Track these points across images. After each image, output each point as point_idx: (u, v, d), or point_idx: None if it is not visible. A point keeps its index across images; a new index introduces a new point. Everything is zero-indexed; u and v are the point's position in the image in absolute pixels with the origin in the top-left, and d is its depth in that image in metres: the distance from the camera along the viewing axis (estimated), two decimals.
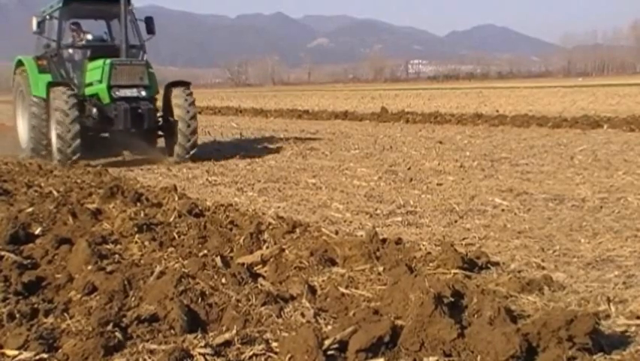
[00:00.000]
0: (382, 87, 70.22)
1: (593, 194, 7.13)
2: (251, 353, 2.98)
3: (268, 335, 3.20)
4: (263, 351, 2.98)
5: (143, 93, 11.38)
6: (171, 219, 5.68)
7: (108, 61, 11.13)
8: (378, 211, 6.68)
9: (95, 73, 11.44)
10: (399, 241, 4.84)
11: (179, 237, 5.15)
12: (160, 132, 12.22)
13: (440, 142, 13.59)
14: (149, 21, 12.44)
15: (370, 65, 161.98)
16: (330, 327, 3.27)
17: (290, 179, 9.21)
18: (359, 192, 7.91)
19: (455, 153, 11.59)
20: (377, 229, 5.21)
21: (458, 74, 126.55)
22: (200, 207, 6.29)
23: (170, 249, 4.79)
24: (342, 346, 2.93)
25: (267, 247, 4.74)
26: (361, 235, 4.97)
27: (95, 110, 11.36)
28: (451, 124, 18.69)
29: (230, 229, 5.37)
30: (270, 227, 5.32)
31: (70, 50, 12.41)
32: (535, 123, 16.72)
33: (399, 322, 3.17)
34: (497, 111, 21.52)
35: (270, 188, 8.47)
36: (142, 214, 5.82)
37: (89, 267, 4.20)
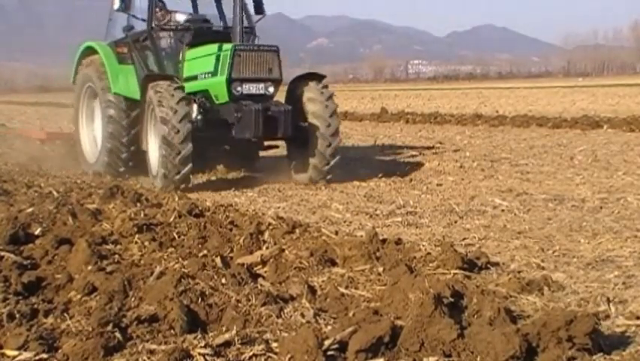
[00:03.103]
0: (382, 87, 70.26)
1: (593, 194, 7.13)
2: (251, 353, 2.98)
3: (268, 335, 3.20)
4: (263, 351, 2.99)
5: (271, 90, 8.63)
6: (171, 220, 5.68)
7: (229, 46, 8.41)
8: (378, 212, 6.68)
9: (204, 63, 8.78)
10: (399, 242, 4.85)
11: (179, 237, 5.15)
12: (266, 143, 9.51)
13: (440, 142, 13.60)
14: None
15: (370, 65, 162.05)
16: (330, 327, 3.27)
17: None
18: (359, 192, 7.91)
19: (455, 153, 11.59)
20: (377, 230, 5.21)
21: (458, 75, 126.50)
22: (200, 208, 6.29)
23: (170, 249, 4.80)
24: (342, 346, 2.93)
25: (267, 248, 4.75)
26: (361, 236, 4.97)
27: (197, 111, 8.43)
28: (450, 124, 18.69)
29: (230, 229, 5.37)
30: (270, 227, 5.32)
31: (162, 34, 9.58)
32: (535, 123, 16.72)
33: (399, 322, 3.17)
34: (497, 112, 21.51)
35: (269, 188, 8.47)
36: (142, 214, 5.82)
37: (89, 267, 4.20)
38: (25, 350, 2.98)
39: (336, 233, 5.25)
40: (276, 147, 9.78)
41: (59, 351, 2.98)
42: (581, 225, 5.74)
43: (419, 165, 10.28)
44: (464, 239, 5.37)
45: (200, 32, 9.33)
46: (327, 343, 2.90)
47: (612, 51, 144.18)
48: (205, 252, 4.66)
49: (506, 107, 25.27)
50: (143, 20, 9.38)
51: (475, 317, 3.29)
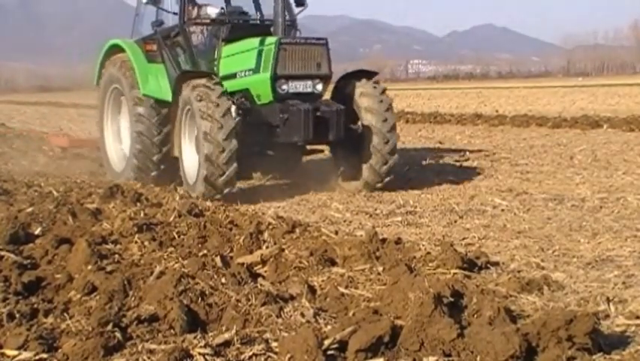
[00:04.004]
0: None
1: (593, 194, 7.14)
2: (251, 353, 2.98)
3: (268, 335, 3.20)
4: (263, 351, 2.99)
5: (320, 87, 7.82)
6: (171, 219, 5.68)
7: (272, 39, 7.61)
8: (378, 211, 6.68)
9: (244, 59, 7.92)
10: (399, 241, 4.85)
11: (179, 237, 5.15)
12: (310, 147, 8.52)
13: (440, 142, 13.59)
14: None
15: (370, 65, 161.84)
16: (329, 327, 3.27)
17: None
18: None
19: (455, 152, 11.59)
20: (377, 229, 5.22)
21: (458, 74, 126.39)
22: (200, 207, 6.29)
23: (170, 249, 4.79)
24: (342, 346, 2.93)
25: (267, 247, 4.75)
26: (361, 235, 4.97)
27: (236, 113, 7.37)
28: (450, 124, 18.70)
29: (230, 229, 5.38)
30: (270, 227, 5.33)
31: (195, 29, 8.75)
32: (534, 123, 16.72)
33: (399, 322, 3.17)
34: (497, 111, 21.50)
35: (269, 187, 8.45)
36: (142, 214, 5.82)
37: (89, 267, 4.20)
38: (25, 350, 2.98)
39: (336, 233, 5.25)
40: (321, 151, 8.99)
41: (59, 351, 2.98)
42: (581, 225, 5.75)
43: (419, 165, 10.29)
44: (464, 239, 5.38)
45: (237, 26, 8.46)
46: (327, 342, 2.90)
47: (612, 51, 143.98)
48: (205, 252, 4.66)
49: (506, 106, 25.25)
50: (175, 14, 8.47)
51: (475, 316, 3.29)
